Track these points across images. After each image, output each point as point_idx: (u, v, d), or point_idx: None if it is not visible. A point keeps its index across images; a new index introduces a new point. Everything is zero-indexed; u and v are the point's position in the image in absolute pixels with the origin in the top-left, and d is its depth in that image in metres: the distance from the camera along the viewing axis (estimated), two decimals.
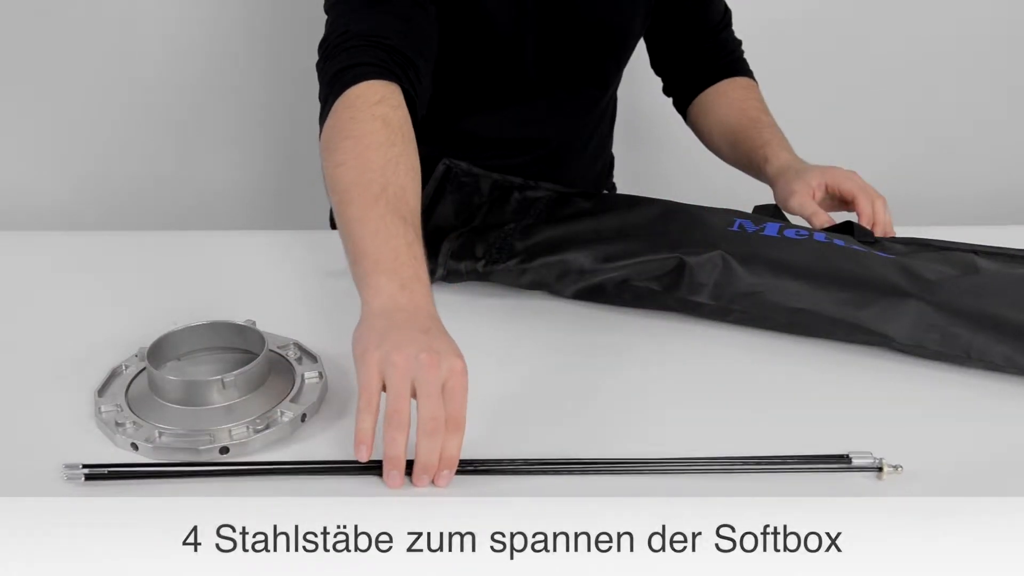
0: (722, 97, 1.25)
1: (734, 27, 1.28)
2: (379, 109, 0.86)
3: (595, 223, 0.99)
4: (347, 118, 0.87)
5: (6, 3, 1.66)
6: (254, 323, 0.86)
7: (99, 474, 0.72)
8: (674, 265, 0.93)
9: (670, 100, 1.32)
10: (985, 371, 0.87)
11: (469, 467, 0.74)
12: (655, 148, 1.71)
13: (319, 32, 0.96)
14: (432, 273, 0.96)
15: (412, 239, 0.80)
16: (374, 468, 0.74)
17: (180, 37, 1.70)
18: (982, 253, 0.99)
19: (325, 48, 0.94)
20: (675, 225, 0.98)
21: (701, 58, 1.27)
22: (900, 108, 1.82)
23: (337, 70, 0.90)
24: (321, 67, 0.93)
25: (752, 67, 1.28)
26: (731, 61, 1.27)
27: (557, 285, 0.96)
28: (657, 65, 1.31)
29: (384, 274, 0.77)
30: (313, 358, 0.86)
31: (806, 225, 1.00)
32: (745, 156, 1.17)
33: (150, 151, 1.80)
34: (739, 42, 1.29)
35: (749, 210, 1.07)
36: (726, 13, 1.27)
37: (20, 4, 1.66)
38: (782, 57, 1.71)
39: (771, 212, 1.08)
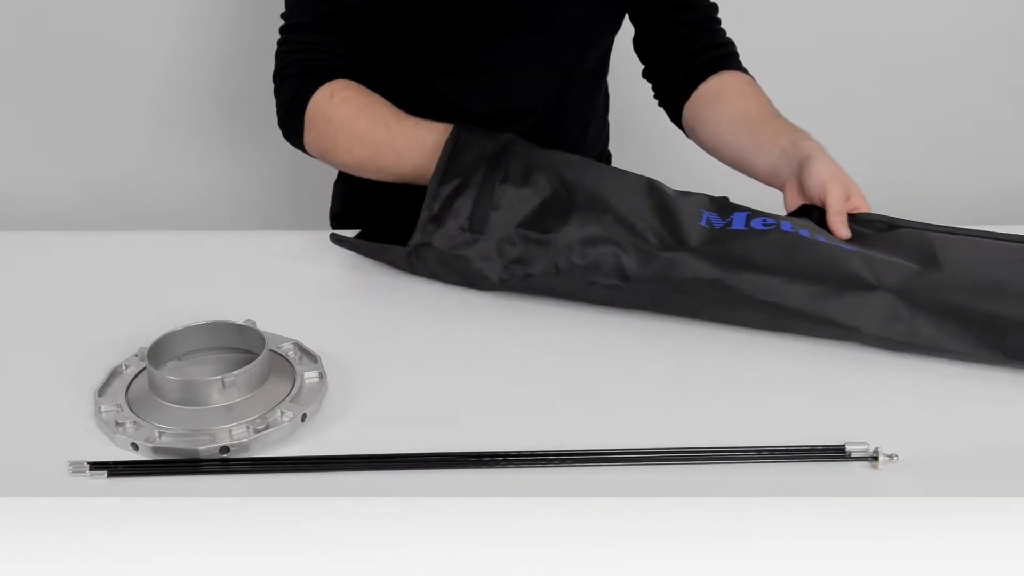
0: (733, 90, 1.20)
1: (734, 27, 1.27)
2: (333, 103, 1.07)
3: (570, 194, 0.98)
4: (324, 128, 1.08)
5: (6, 4, 1.66)
6: (254, 323, 0.86)
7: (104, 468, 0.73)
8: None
9: None
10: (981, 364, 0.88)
11: (472, 459, 0.75)
12: (653, 147, 1.71)
13: None
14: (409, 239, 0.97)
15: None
16: (376, 466, 0.74)
17: (181, 37, 1.70)
18: (940, 230, 1.00)
19: (276, 69, 1.12)
20: (647, 205, 0.98)
21: (693, 49, 1.22)
22: (900, 108, 1.82)
23: (289, 99, 1.10)
24: (277, 90, 1.12)
25: (750, 65, 1.27)
26: (727, 55, 1.23)
27: (529, 268, 0.95)
28: (646, 59, 1.28)
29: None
30: (313, 358, 0.86)
31: (772, 213, 1.01)
32: (768, 139, 1.11)
33: (150, 151, 1.80)
34: (732, 41, 1.25)
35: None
36: (713, 6, 1.25)
37: (20, 4, 1.66)
38: (781, 56, 1.71)
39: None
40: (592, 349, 0.91)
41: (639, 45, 1.28)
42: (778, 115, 1.16)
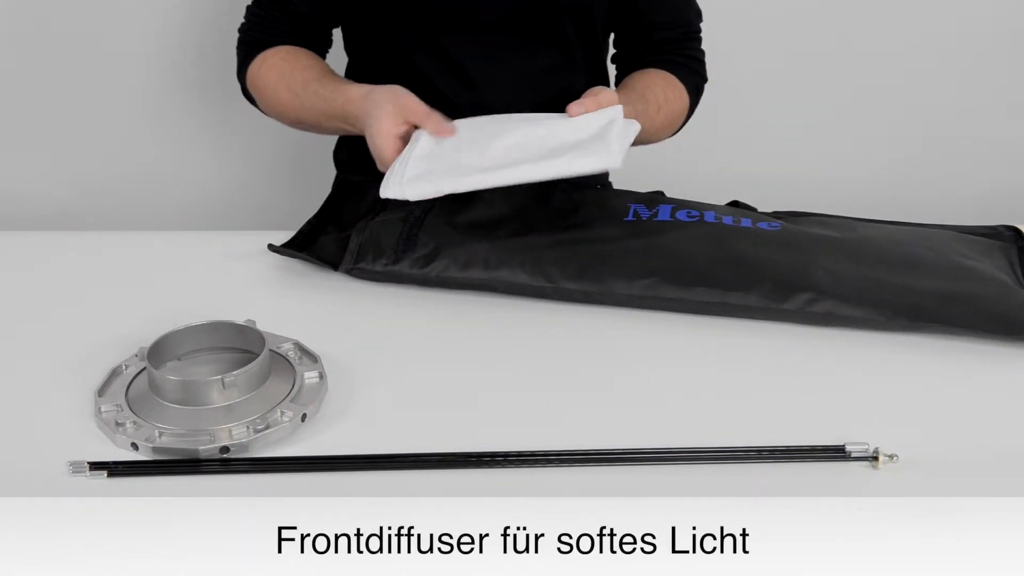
0: (636, 76, 1.22)
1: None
2: (264, 66, 1.19)
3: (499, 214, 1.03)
4: (261, 95, 1.21)
5: (5, 4, 1.66)
6: (254, 323, 0.86)
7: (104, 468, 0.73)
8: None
9: None
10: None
11: (472, 459, 0.75)
12: (656, 149, 1.71)
13: None
14: (339, 260, 1.01)
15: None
16: (376, 466, 0.74)
17: (181, 37, 1.70)
18: (862, 219, 1.06)
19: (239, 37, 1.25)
20: (575, 218, 1.02)
21: (656, 55, 1.24)
22: (899, 108, 1.82)
23: (237, 67, 1.25)
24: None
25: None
26: (671, 63, 1.23)
27: (460, 277, 0.97)
28: (620, 53, 1.29)
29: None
30: (313, 358, 0.86)
31: (698, 202, 1.04)
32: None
33: (150, 151, 1.80)
34: (703, 52, 1.25)
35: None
36: (695, 16, 1.25)
37: (20, 4, 1.66)
38: (781, 56, 1.71)
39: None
40: (592, 350, 0.91)
41: (618, 42, 1.28)
42: (643, 95, 1.16)
